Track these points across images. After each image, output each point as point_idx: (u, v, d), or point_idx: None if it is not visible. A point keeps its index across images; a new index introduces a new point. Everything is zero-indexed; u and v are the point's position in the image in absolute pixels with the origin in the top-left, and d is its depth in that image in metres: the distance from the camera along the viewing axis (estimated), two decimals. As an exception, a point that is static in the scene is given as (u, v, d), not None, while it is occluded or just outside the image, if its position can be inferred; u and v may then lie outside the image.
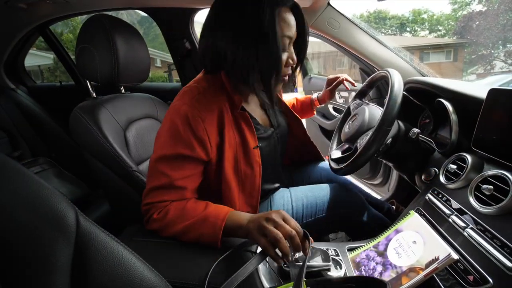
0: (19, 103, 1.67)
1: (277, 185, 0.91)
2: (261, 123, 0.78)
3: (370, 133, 0.76)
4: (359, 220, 0.84)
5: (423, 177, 0.82)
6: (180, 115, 0.62)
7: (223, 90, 0.68)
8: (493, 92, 0.64)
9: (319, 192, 0.87)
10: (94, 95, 0.99)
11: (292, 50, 0.66)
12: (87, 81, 0.99)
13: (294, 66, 0.70)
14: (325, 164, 1.10)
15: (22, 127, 1.69)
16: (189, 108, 0.62)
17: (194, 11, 1.37)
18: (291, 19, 0.63)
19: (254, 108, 0.79)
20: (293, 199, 0.86)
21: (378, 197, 1.32)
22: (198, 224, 0.60)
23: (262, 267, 0.57)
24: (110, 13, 1.33)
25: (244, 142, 0.70)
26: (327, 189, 0.88)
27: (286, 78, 0.70)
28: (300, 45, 0.70)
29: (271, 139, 0.80)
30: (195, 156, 0.64)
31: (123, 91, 1.10)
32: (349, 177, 1.65)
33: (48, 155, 1.72)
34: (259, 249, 0.61)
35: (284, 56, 0.65)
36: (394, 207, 1.13)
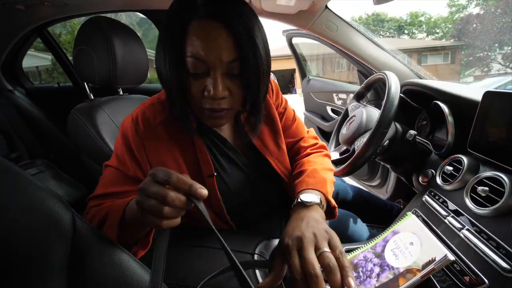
0: (16, 104, 1.66)
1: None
2: (235, 148, 0.67)
3: (367, 135, 0.76)
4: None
5: (420, 178, 0.82)
6: (122, 129, 0.59)
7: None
8: (488, 95, 0.64)
9: None
10: (92, 97, 1.00)
11: (216, 79, 0.49)
12: (85, 83, 0.99)
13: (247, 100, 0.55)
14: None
15: (20, 128, 1.68)
16: (130, 123, 0.58)
17: (193, 13, 1.37)
18: (208, 35, 0.47)
19: (228, 132, 0.68)
20: (283, 223, 0.75)
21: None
22: (106, 214, 0.49)
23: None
24: (108, 15, 1.33)
25: (197, 169, 0.61)
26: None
27: (218, 113, 0.54)
28: (245, 70, 0.51)
29: (242, 168, 0.68)
30: (133, 175, 0.58)
31: (121, 93, 1.10)
32: (347, 179, 1.66)
33: (46, 157, 1.71)
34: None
35: (200, 84, 0.51)
36: (401, 206, 1.13)
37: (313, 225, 0.49)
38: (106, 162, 0.61)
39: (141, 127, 0.57)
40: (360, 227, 0.84)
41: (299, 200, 0.59)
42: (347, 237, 0.81)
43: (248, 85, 0.53)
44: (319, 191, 0.62)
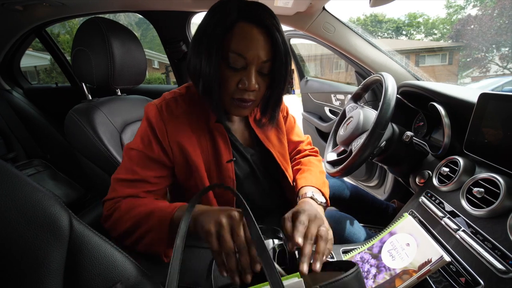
0: (14, 104, 1.66)
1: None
2: (240, 141, 0.73)
3: (364, 136, 0.77)
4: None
5: (417, 179, 0.83)
6: (147, 114, 0.65)
7: (199, 101, 0.68)
8: (483, 97, 0.65)
9: None
10: (90, 98, 0.99)
11: (251, 73, 0.58)
12: (83, 84, 0.99)
13: (257, 92, 0.62)
14: (328, 178, 1.06)
15: (17, 128, 1.68)
16: (155, 109, 0.64)
17: (191, 13, 1.38)
18: (252, 37, 0.56)
19: (236, 126, 0.75)
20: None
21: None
22: (146, 217, 0.55)
23: None
24: (107, 15, 1.33)
25: (217, 154, 0.67)
26: None
27: (246, 104, 0.62)
28: (276, 71, 0.61)
29: (248, 160, 0.74)
30: (157, 158, 0.64)
31: (119, 93, 1.10)
32: (346, 179, 1.66)
33: (43, 157, 1.70)
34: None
35: (234, 75, 0.58)
36: (395, 206, 1.14)
37: (321, 217, 0.54)
38: (129, 145, 0.65)
39: (164, 114, 0.64)
40: (357, 229, 0.84)
41: (310, 195, 0.67)
42: (344, 239, 0.81)
43: (274, 83, 0.63)
44: (321, 191, 0.72)
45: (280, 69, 0.60)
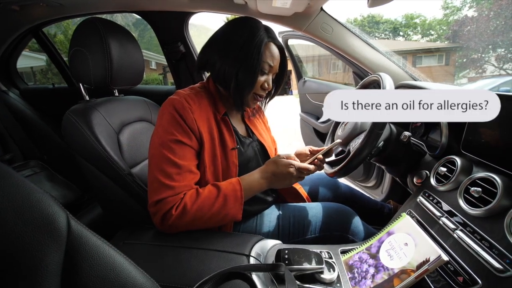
0: (10, 105, 1.64)
1: (269, 198, 0.90)
2: (240, 133, 0.86)
3: (362, 136, 0.77)
4: (351, 240, 0.82)
5: (414, 179, 0.83)
6: (173, 105, 0.72)
7: (210, 97, 0.81)
8: (481, 97, 0.65)
9: (307, 212, 0.86)
10: (87, 98, 0.99)
11: (270, 78, 0.80)
12: (80, 84, 0.98)
13: (269, 91, 0.84)
14: (322, 179, 1.10)
15: (14, 129, 1.67)
16: (180, 99, 0.73)
17: (189, 14, 1.37)
18: (275, 53, 0.78)
19: (236, 120, 0.88)
20: (281, 217, 0.85)
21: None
22: (222, 207, 0.69)
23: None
24: (104, 16, 1.33)
25: (223, 143, 0.78)
26: (317, 209, 0.86)
27: (260, 99, 0.82)
28: (279, 78, 0.87)
29: (250, 147, 0.86)
30: (190, 144, 0.72)
31: (116, 94, 1.09)
32: (344, 180, 1.66)
33: (40, 158, 1.69)
34: (251, 260, 0.61)
35: (262, 78, 0.77)
36: (391, 206, 1.14)
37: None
38: (160, 139, 0.71)
39: (191, 104, 0.74)
40: (357, 224, 0.84)
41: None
42: (344, 231, 0.82)
43: (276, 86, 0.88)
44: None
45: (281, 77, 0.86)
